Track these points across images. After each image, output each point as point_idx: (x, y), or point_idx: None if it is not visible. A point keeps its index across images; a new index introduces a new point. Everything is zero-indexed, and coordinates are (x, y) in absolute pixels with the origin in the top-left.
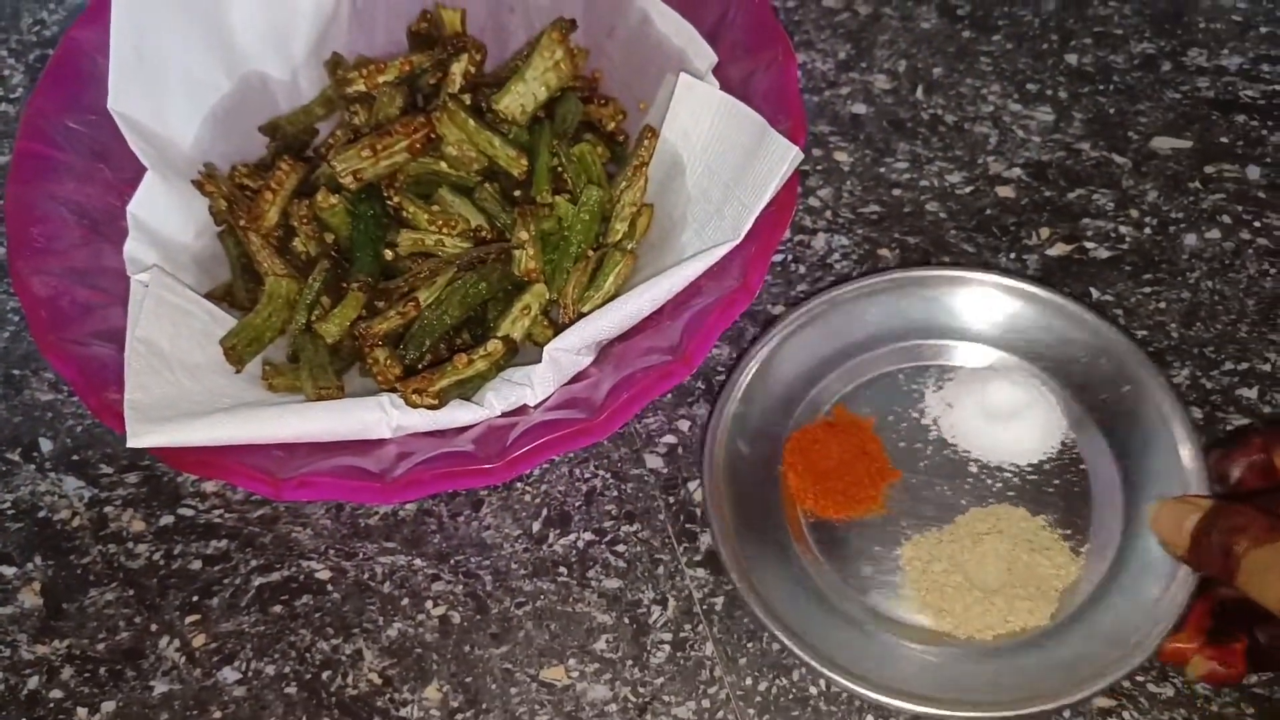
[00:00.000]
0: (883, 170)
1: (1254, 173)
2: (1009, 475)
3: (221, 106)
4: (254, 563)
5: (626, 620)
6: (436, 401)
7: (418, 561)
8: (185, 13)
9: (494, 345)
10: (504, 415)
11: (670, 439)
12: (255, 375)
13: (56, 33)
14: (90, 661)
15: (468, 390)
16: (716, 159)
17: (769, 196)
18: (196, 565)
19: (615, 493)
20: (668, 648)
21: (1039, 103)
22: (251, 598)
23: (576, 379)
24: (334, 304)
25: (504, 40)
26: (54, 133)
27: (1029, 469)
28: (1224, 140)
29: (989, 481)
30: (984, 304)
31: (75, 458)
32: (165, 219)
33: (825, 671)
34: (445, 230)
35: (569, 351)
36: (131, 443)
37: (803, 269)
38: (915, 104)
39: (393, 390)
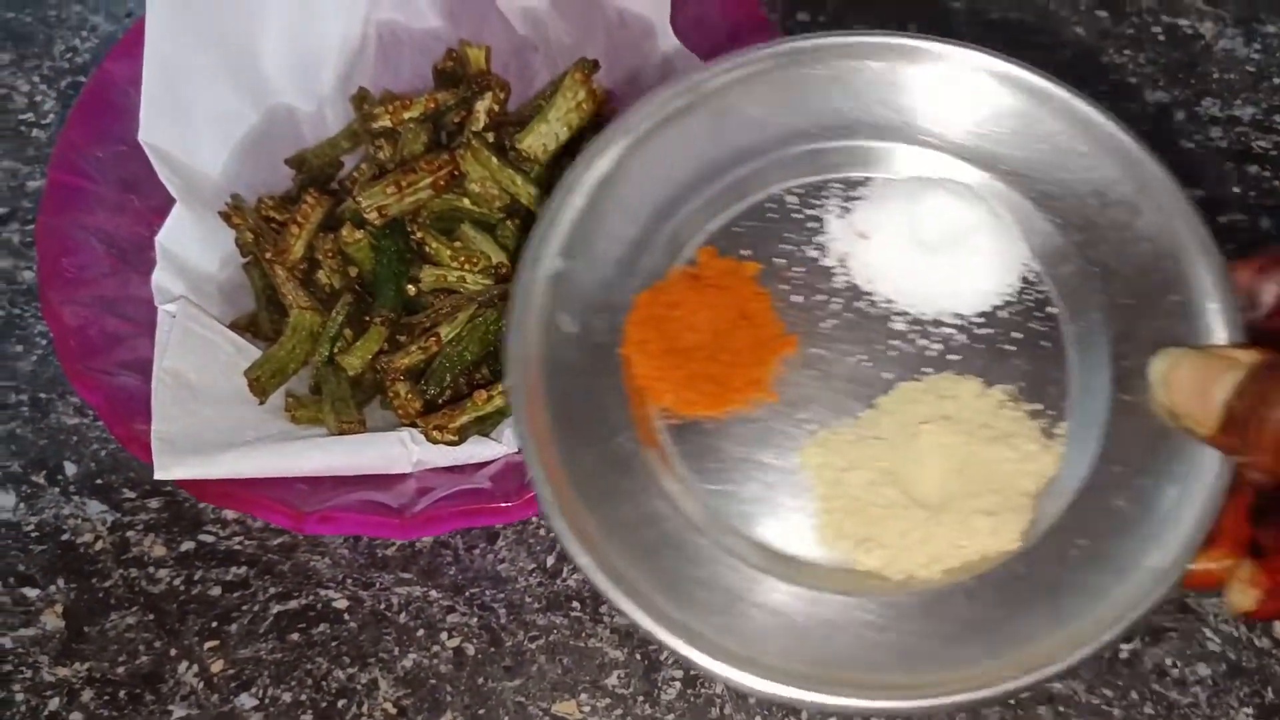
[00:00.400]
0: None
1: (1265, 223)
2: (951, 332)
3: (249, 138)
4: (273, 590)
5: (638, 656)
6: (457, 438)
7: (433, 593)
8: (216, 47)
9: None
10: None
11: None
12: (278, 407)
13: (88, 60)
14: (110, 685)
15: (487, 426)
16: None
17: None
18: (216, 591)
19: None
20: (679, 684)
21: None
22: (270, 625)
23: None
24: (356, 337)
25: (527, 78)
26: (85, 164)
27: (979, 320)
28: (1236, 190)
29: (923, 343)
30: (895, 84)
31: (99, 482)
32: (192, 249)
33: (698, 659)
34: (467, 266)
35: None
36: (159, 475)
37: None
38: None
39: (413, 425)
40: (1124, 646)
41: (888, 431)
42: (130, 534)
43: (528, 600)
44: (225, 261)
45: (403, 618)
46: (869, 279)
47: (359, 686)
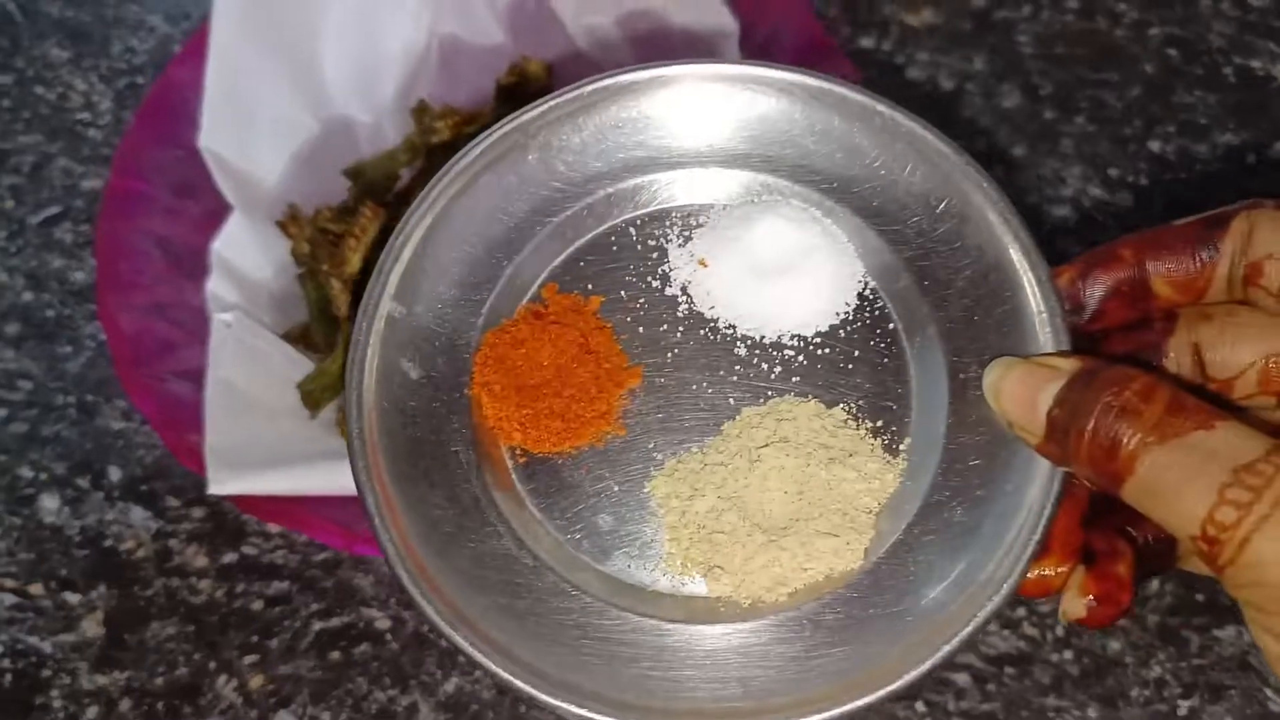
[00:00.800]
0: None
1: None
2: (791, 353)
3: (307, 148)
4: (314, 607)
5: None
6: None
7: None
8: (279, 55)
9: None
10: None
11: None
12: (328, 420)
13: (145, 61)
14: (148, 695)
15: None
16: None
17: None
18: (258, 605)
19: None
20: None
21: (1120, 188)
22: (310, 642)
23: None
24: None
25: None
26: (146, 168)
27: (818, 340)
28: None
29: (765, 366)
30: (727, 110)
31: (143, 488)
32: (247, 257)
33: (542, 696)
34: None
35: None
36: (213, 490)
37: None
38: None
39: None
40: (1183, 703)
41: (730, 457)
42: (173, 542)
43: None
44: (279, 270)
45: (444, 641)
46: (711, 306)
47: (399, 709)
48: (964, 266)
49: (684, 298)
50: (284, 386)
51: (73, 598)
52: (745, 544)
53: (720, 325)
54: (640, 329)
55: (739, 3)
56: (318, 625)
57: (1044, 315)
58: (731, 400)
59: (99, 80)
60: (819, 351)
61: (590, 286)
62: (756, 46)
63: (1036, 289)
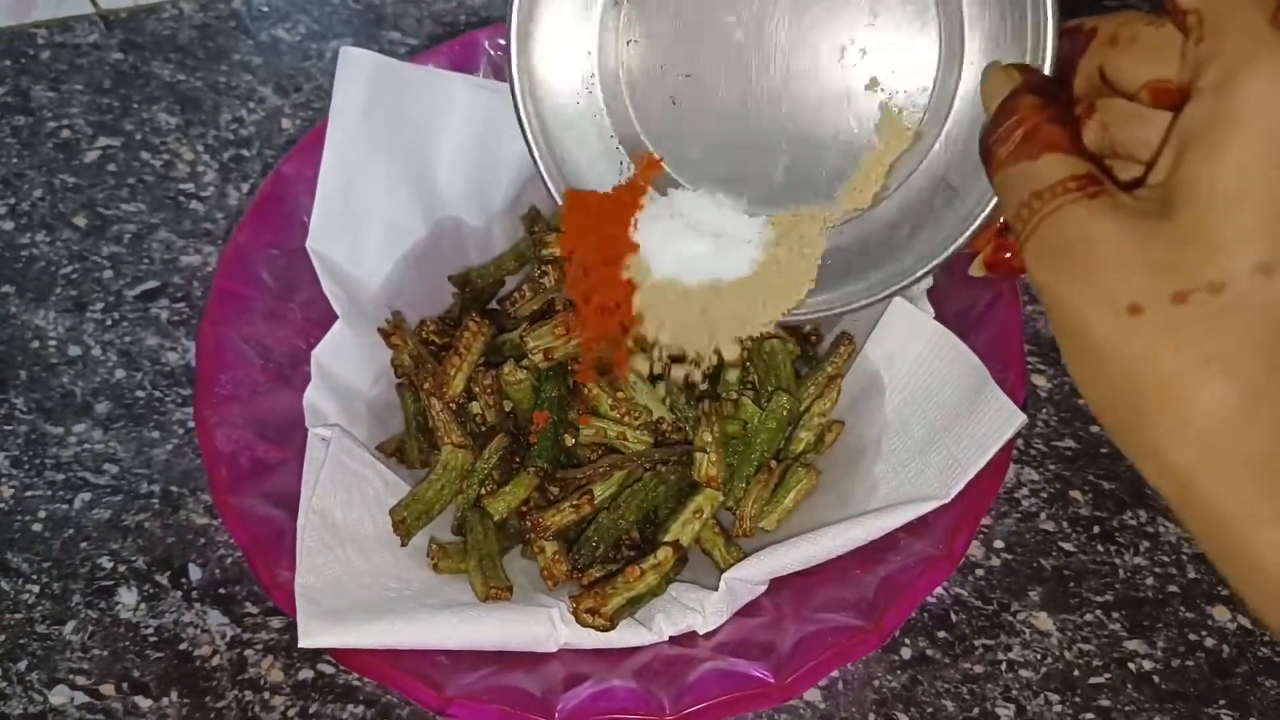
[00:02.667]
0: (1081, 402)
1: None
2: None
3: (414, 251)
4: None
5: None
6: (610, 624)
7: None
8: (394, 158)
9: (664, 554)
10: (672, 640)
11: (833, 672)
12: (420, 549)
13: (253, 134)
14: None
15: (637, 607)
16: (923, 392)
17: (986, 460)
18: None
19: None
20: None
21: None
22: None
23: (748, 610)
24: (504, 479)
25: None
26: (252, 271)
27: None
28: None
29: None
30: None
31: (222, 591)
32: (347, 367)
33: None
34: (627, 419)
35: (748, 582)
36: (304, 643)
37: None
38: None
39: (556, 584)
40: None
41: None
42: (249, 652)
43: None
44: (377, 378)
45: None
46: None
47: None
48: None
49: None
50: (377, 512)
51: (144, 702)
52: None
53: None
54: None
55: None
56: None
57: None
58: None
59: (205, 150)
60: None
61: None
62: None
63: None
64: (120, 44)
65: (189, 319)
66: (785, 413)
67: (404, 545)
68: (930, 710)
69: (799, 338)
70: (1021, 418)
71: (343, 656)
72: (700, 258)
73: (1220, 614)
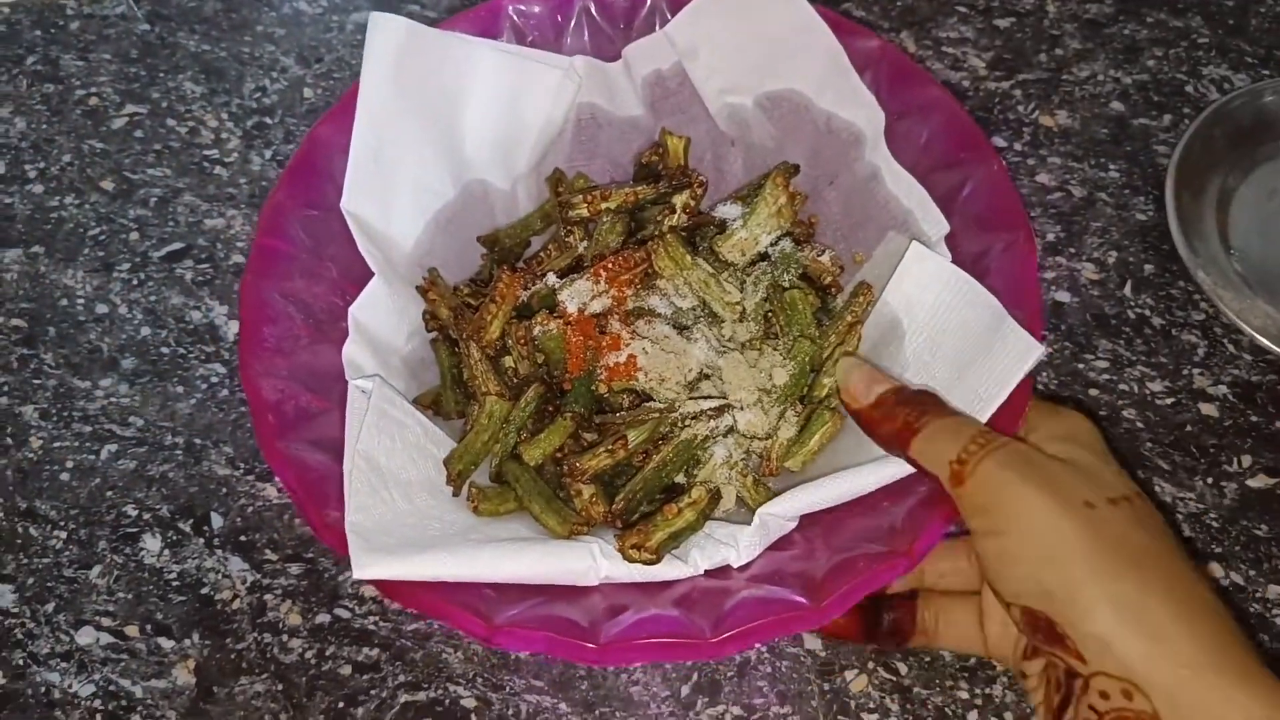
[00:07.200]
0: (1081, 366)
1: None
2: None
3: (444, 213)
4: (403, 678)
5: None
6: (655, 557)
7: (563, 706)
8: (423, 122)
9: (699, 493)
10: (708, 574)
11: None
12: (460, 496)
13: (275, 102)
14: None
15: (678, 542)
16: (941, 334)
17: (1007, 393)
18: (346, 670)
19: (769, 668)
20: None
21: None
22: (396, 714)
23: (780, 545)
24: (539, 427)
25: (723, 172)
26: (290, 228)
27: None
28: None
29: None
30: None
31: (243, 538)
32: (383, 322)
33: None
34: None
35: (781, 517)
36: (358, 575)
37: None
38: (1122, 300)
39: (593, 528)
40: None
41: None
42: (268, 597)
43: None
44: (411, 335)
45: None
46: None
47: None
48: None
49: None
50: (419, 458)
51: (167, 644)
52: None
53: None
54: None
55: (885, 93)
56: (404, 697)
57: None
58: None
59: (229, 118)
60: None
61: None
62: (902, 135)
63: None
64: (147, 15)
65: (212, 279)
66: (807, 358)
67: (456, 495)
68: (928, 659)
69: (818, 289)
70: (1040, 349)
71: (392, 591)
72: None
73: (1214, 570)
